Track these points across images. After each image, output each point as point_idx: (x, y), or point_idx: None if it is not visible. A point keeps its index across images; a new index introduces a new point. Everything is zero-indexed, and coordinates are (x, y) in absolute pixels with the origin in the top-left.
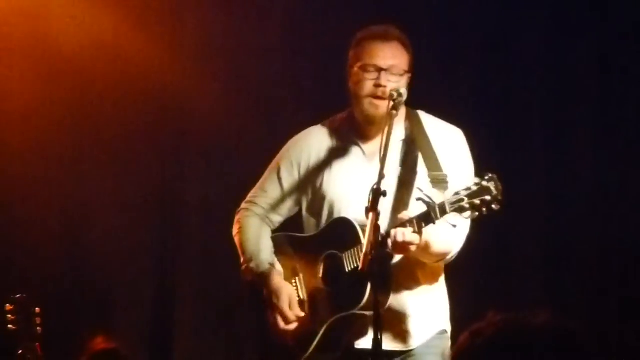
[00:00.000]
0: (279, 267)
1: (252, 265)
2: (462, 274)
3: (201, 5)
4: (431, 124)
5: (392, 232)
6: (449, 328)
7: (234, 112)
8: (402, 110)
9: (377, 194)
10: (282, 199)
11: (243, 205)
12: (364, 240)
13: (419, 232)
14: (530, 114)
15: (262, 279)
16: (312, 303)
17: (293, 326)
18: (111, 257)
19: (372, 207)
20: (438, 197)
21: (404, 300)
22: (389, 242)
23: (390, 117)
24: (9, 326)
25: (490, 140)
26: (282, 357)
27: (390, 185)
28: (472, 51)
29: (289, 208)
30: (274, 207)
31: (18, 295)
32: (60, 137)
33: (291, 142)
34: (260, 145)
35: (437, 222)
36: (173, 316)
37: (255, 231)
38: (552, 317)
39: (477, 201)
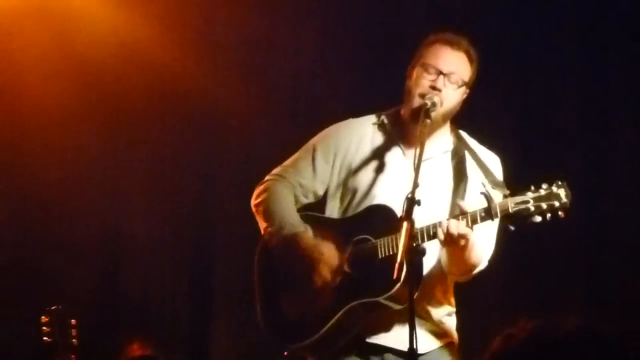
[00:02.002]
0: (310, 231)
1: (282, 227)
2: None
3: (235, 11)
4: (473, 144)
5: (445, 222)
6: (456, 342)
7: (271, 121)
8: (447, 123)
9: (411, 202)
10: (312, 181)
11: (269, 177)
12: (400, 242)
13: (470, 227)
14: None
15: (294, 239)
16: (333, 284)
17: (337, 279)
18: (148, 268)
19: (407, 216)
20: (498, 197)
21: (424, 305)
22: (440, 232)
23: (423, 126)
24: (45, 338)
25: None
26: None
27: (443, 196)
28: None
29: (315, 192)
30: (303, 186)
31: (54, 307)
32: (96, 146)
33: (332, 128)
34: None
35: (495, 219)
36: (210, 325)
37: (286, 197)
38: (582, 322)
39: (544, 205)
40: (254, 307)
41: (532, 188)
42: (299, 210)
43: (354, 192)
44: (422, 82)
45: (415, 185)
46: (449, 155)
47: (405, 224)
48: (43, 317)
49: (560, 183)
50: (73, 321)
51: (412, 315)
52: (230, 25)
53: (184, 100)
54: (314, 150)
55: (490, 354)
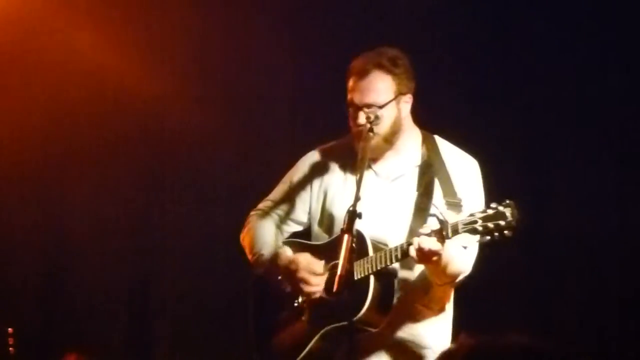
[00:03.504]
0: (289, 250)
1: (263, 252)
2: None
3: (184, 16)
4: (447, 150)
5: (416, 240)
6: None
7: (215, 123)
8: (418, 134)
9: (352, 215)
10: (291, 212)
11: (252, 212)
12: (372, 252)
13: (442, 242)
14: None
15: (274, 260)
16: (311, 310)
17: (319, 287)
18: (87, 277)
19: (348, 229)
20: (452, 218)
21: (406, 325)
22: (412, 250)
23: (366, 139)
24: None
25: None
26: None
27: (407, 209)
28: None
29: (297, 221)
30: (283, 218)
31: None
32: (39, 153)
33: (306, 158)
34: (241, 155)
35: (447, 240)
36: (150, 334)
37: (264, 228)
38: (521, 338)
39: (490, 225)
40: (194, 316)
41: (482, 209)
42: (287, 238)
43: (332, 217)
44: (351, 120)
45: (357, 198)
46: (417, 171)
47: (346, 237)
48: None
49: (507, 202)
50: (10, 330)
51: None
52: (185, 37)
53: (131, 111)
54: (291, 182)
55: None
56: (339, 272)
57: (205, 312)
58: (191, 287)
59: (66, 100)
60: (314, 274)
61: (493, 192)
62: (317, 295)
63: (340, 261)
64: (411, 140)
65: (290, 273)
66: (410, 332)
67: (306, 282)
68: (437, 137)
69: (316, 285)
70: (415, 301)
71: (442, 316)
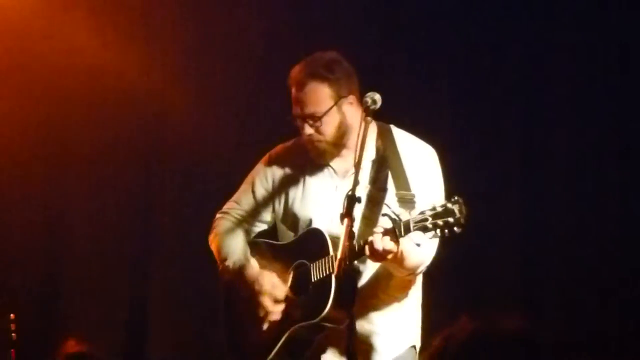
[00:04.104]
0: (254, 262)
1: (228, 262)
2: (435, 288)
3: (181, 15)
4: (403, 140)
5: (370, 238)
6: (418, 343)
7: (212, 122)
8: (373, 129)
9: (351, 200)
10: (255, 213)
11: (218, 215)
12: (332, 251)
13: (396, 242)
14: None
15: (240, 272)
16: (278, 311)
17: (280, 307)
18: (87, 263)
19: (347, 213)
20: (404, 215)
21: (372, 317)
22: (367, 249)
23: (365, 123)
24: None
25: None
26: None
27: (361, 204)
28: (453, 65)
29: (262, 221)
30: (247, 219)
31: None
32: (39, 146)
33: (267, 158)
34: (238, 153)
35: (400, 239)
36: (147, 320)
37: (231, 233)
38: (521, 321)
39: (440, 222)
40: (192, 302)
41: (432, 206)
42: (254, 237)
43: (295, 216)
44: (300, 130)
45: (356, 182)
46: (370, 166)
47: (345, 221)
48: None
49: (455, 199)
50: (12, 315)
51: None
52: (179, 33)
53: (128, 106)
54: (253, 183)
55: (430, 354)
56: (339, 256)
57: (204, 304)
58: (190, 280)
59: (65, 98)
60: (275, 300)
61: (454, 179)
62: (273, 319)
63: (340, 245)
64: (369, 135)
65: (253, 292)
66: (375, 321)
67: (265, 307)
68: (393, 128)
69: (273, 312)
70: (378, 290)
71: (406, 302)
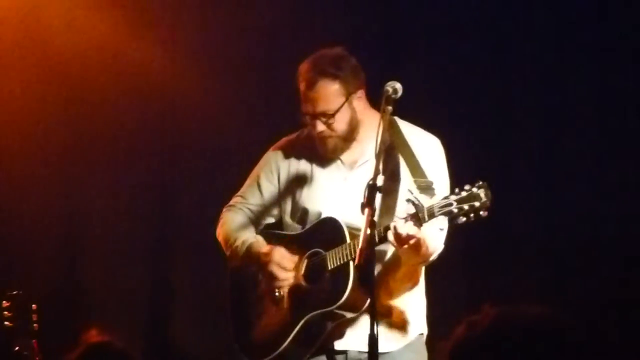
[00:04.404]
0: (261, 239)
1: (237, 243)
2: (442, 277)
3: (199, 6)
4: (409, 131)
5: (393, 223)
6: (425, 331)
7: (230, 113)
8: (378, 119)
9: (372, 189)
10: (261, 206)
11: (224, 209)
12: (349, 239)
13: (419, 227)
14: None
15: (248, 250)
16: (292, 299)
17: (287, 282)
18: (108, 254)
19: (368, 203)
20: (426, 201)
21: (382, 305)
22: (390, 235)
23: (385, 113)
24: (6, 323)
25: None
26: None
27: (380, 193)
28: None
29: (268, 214)
30: (254, 211)
31: (14, 292)
32: (58, 137)
33: (272, 151)
34: (257, 145)
35: (424, 224)
36: (169, 310)
37: (237, 221)
38: (546, 309)
39: (465, 207)
40: (213, 292)
41: (456, 190)
42: (262, 230)
43: (304, 209)
44: (310, 127)
45: (377, 171)
46: (382, 157)
47: (366, 210)
48: (4, 301)
49: (480, 184)
50: (34, 306)
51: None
52: (198, 25)
53: (147, 97)
54: (258, 176)
55: (453, 342)
56: (359, 246)
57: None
58: (211, 271)
59: (85, 90)
60: (284, 269)
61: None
62: (285, 289)
63: (362, 235)
64: (371, 127)
65: (262, 265)
66: (385, 309)
67: (275, 277)
68: (397, 119)
69: (284, 279)
70: (389, 279)
71: (414, 291)
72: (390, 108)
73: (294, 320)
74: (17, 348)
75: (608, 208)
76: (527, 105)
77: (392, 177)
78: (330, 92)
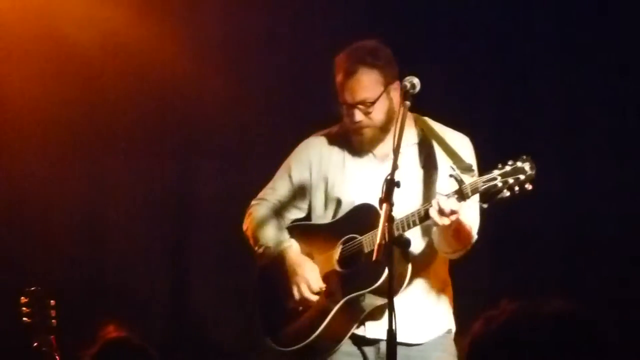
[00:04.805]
0: (296, 245)
1: (270, 244)
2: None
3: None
4: (441, 129)
5: (434, 200)
6: (454, 327)
7: (246, 109)
8: (410, 115)
9: (390, 184)
10: (292, 198)
11: (253, 202)
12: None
13: (461, 201)
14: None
15: (282, 256)
16: (328, 284)
17: (316, 297)
18: (126, 250)
19: (386, 198)
20: (469, 179)
21: (413, 298)
22: (432, 211)
23: (403, 108)
24: (24, 319)
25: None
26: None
27: (415, 188)
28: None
29: (298, 208)
30: (284, 204)
31: (33, 288)
32: (73, 133)
33: (304, 144)
34: (272, 142)
35: (467, 200)
36: (187, 307)
37: (268, 218)
38: (564, 304)
39: (510, 180)
40: (230, 289)
41: (499, 165)
42: (290, 223)
43: (338, 200)
44: (346, 118)
45: (395, 167)
46: (416, 149)
47: (384, 206)
48: (22, 297)
49: (524, 157)
50: (52, 302)
51: (391, 305)
52: (214, 20)
53: (162, 93)
54: (289, 168)
55: (472, 337)
56: (377, 241)
57: (242, 294)
58: (228, 254)
59: (103, 88)
60: (310, 290)
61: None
62: (302, 307)
63: (379, 230)
64: (407, 123)
65: (291, 276)
66: (416, 302)
67: (300, 293)
68: (427, 119)
69: (306, 300)
70: (421, 271)
71: (445, 285)
72: (408, 103)
73: (329, 306)
74: (35, 344)
75: (608, 208)
76: (528, 105)
77: (430, 168)
78: (370, 81)
